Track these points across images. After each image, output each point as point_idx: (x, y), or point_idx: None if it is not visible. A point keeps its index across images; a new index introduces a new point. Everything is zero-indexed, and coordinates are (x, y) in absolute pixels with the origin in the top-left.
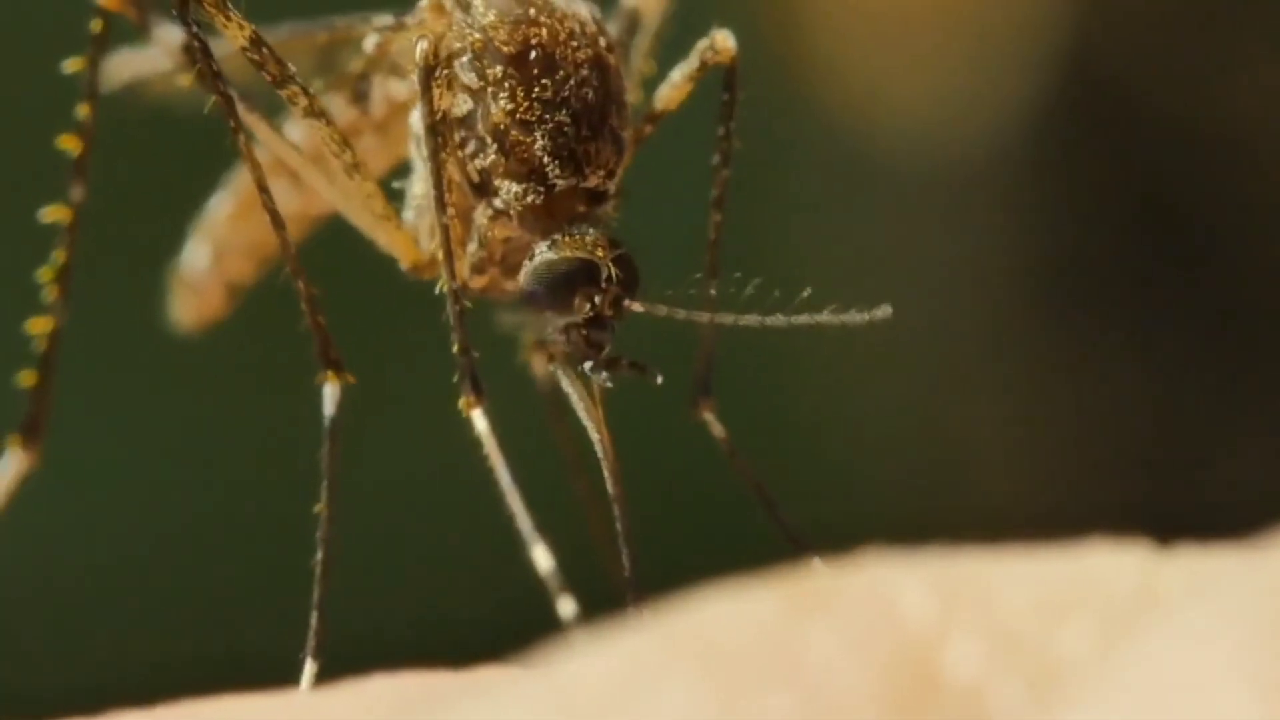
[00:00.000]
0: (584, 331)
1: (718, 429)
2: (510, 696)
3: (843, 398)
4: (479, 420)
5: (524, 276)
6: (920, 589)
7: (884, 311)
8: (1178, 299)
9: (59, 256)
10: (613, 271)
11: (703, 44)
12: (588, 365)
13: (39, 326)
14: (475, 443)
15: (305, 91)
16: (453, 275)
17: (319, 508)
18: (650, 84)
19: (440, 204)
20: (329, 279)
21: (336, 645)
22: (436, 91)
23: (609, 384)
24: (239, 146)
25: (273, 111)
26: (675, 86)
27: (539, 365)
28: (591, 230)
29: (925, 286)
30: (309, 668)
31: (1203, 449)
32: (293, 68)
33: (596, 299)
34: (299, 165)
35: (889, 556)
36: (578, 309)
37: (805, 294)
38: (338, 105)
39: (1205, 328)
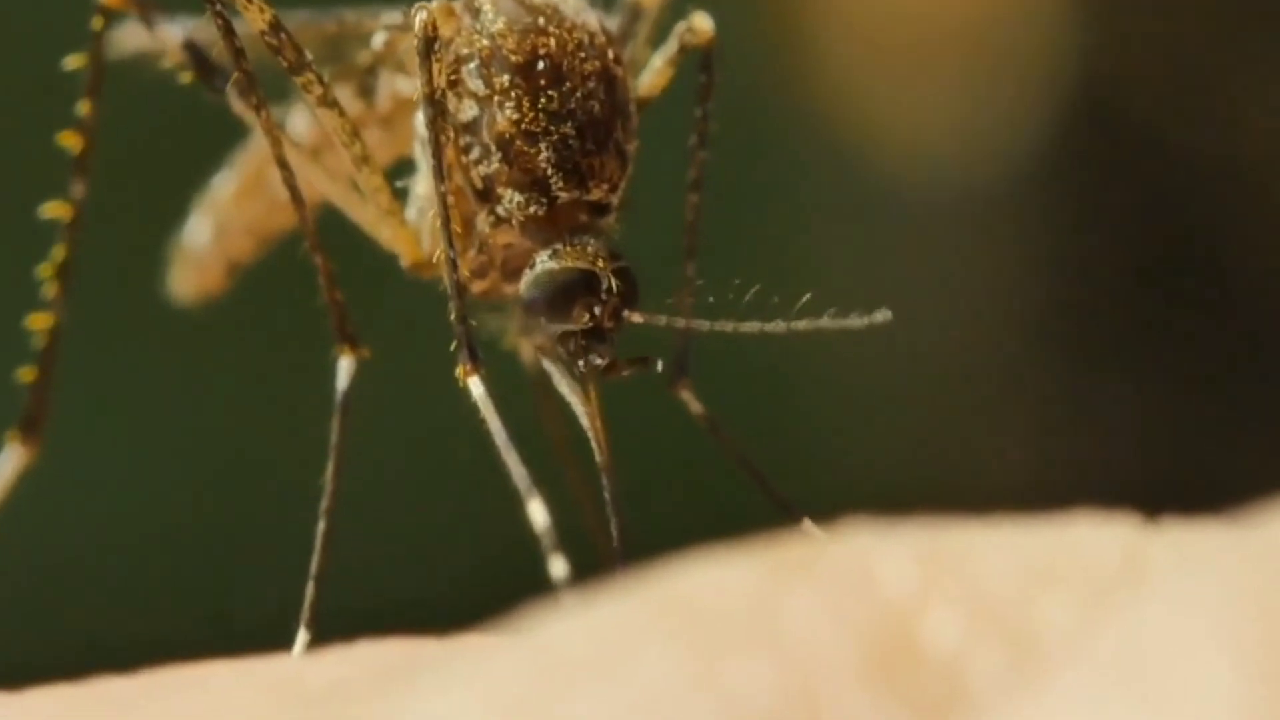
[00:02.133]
0: (583, 342)
1: (696, 406)
2: (491, 659)
3: (832, 392)
4: (476, 387)
5: (524, 285)
6: (901, 558)
7: (883, 315)
8: (1182, 313)
9: (59, 253)
10: (613, 283)
11: (680, 27)
12: (583, 364)
13: (39, 322)
14: (463, 416)
15: (320, 80)
16: (450, 245)
17: (323, 479)
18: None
19: (439, 175)
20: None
21: (324, 613)
22: (436, 66)
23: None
24: (262, 122)
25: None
26: (657, 72)
27: (526, 350)
28: (592, 241)
29: (930, 302)
30: (302, 636)
31: (1193, 448)
32: (309, 55)
33: (596, 310)
34: (299, 159)
35: (871, 526)
36: (577, 319)
37: (806, 298)
38: (344, 97)
39: (1203, 340)
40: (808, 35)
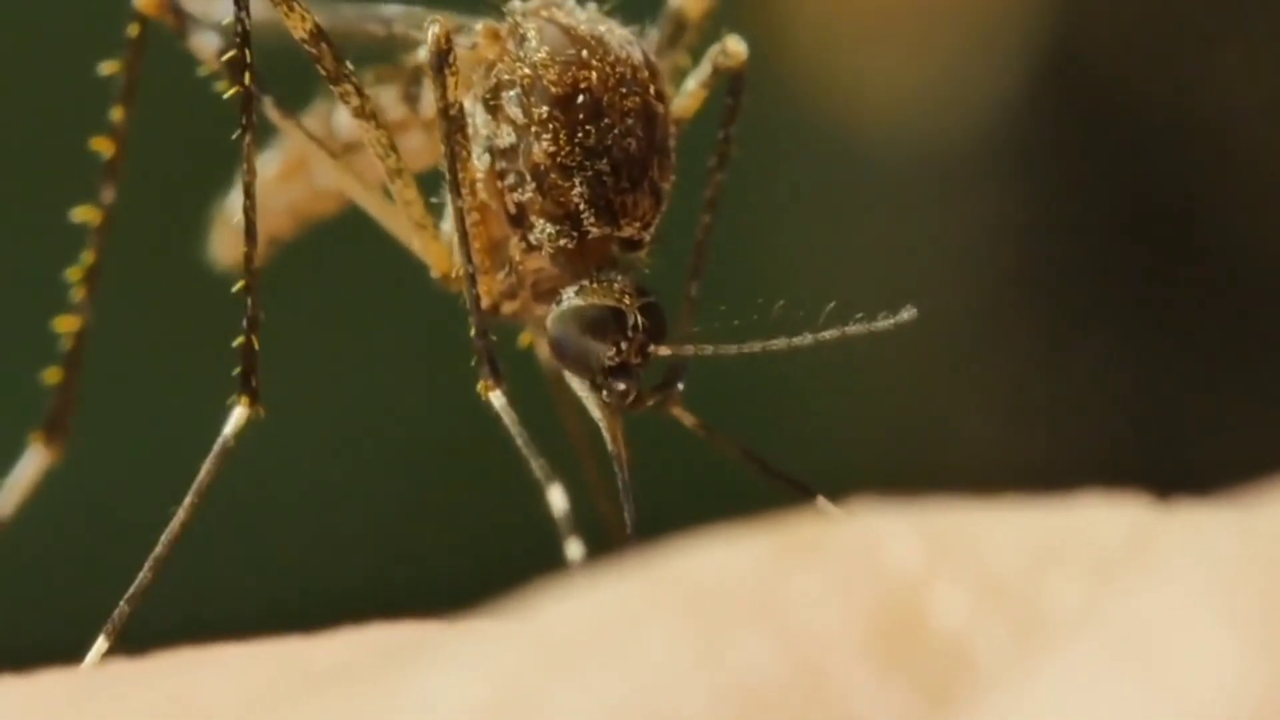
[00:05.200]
0: (609, 378)
1: (689, 420)
2: (495, 640)
3: (833, 381)
4: (497, 400)
5: (551, 322)
6: (908, 537)
7: (910, 313)
8: (1159, 279)
9: (88, 257)
10: (639, 320)
11: (714, 50)
12: (609, 397)
13: (66, 325)
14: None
15: (359, 91)
16: (469, 260)
17: (176, 510)
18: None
19: (454, 188)
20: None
21: (335, 598)
22: (451, 80)
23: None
24: (243, 149)
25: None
26: (690, 94)
27: (542, 347)
28: (620, 277)
29: (912, 275)
30: (100, 644)
31: (1185, 425)
32: (349, 66)
33: (623, 346)
34: (335, 166)
35: (878, 507)
36: (603, 356)
37: (830, 307)
38: (389, 98)
39: (1186, 308)
40: (784, 7)
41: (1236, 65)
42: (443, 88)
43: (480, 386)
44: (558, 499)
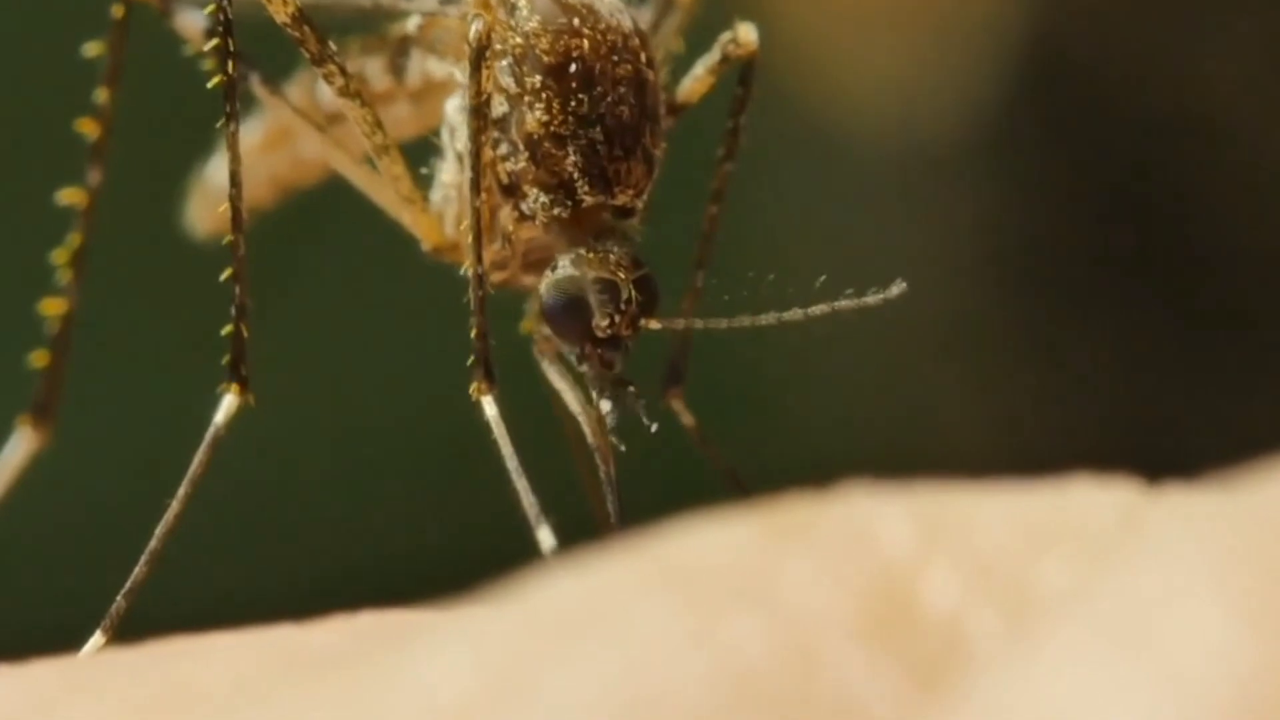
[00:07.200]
0: (597, 350)
1: (687, 418)
2: (486, 622)
3: (819, 376)
4: (489, 406)
5: (544, 290)
6: (899, 519)
7: (899, 288)
8: (1146, 268)
9: (74, 240)
10: (632, 293)
11: (725, 37)
12: (597, 391)
13: (52, 308)
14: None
15: (343, 72)
16: (479, 260)
17: (170, 502)
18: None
19: (475, 187)
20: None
21: (327, 586)
22: (486, 73)
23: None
24: (227, 135)
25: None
26: (697, 79)
27: (539, 335)
28: (615, 248)
29: (901, 266)
30: (96, 639)
31: (1173, 412)
32: (333, 46)
33: (615, 318)
34: (322, 141)
35: (870, 489)
36: (595, 327)
37: (820, 281)
38: (374, 69)
39: (1173, 296)
40: (768, 2)
41: (1221, 56)
42: (478, 84)
43: (473, 389)
44: (547, 538)
